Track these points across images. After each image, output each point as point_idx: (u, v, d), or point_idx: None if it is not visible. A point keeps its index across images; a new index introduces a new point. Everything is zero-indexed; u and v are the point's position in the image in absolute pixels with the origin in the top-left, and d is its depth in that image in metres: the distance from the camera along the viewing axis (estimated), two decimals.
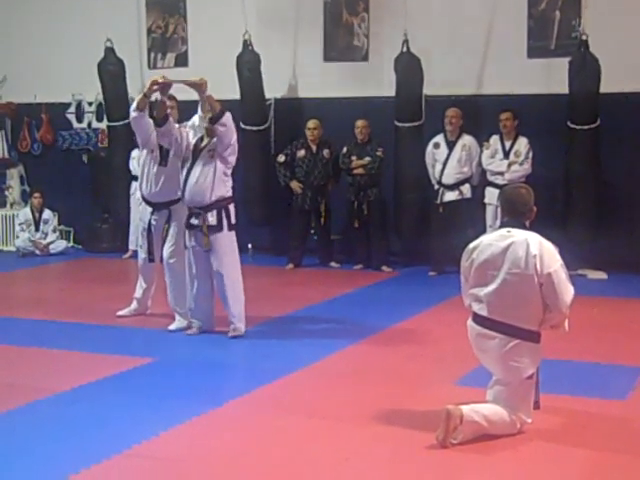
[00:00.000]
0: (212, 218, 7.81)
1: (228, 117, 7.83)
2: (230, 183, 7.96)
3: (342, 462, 5.03)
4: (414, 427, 5.49)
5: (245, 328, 7.95)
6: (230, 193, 7.95)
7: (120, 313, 8.79)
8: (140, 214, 8.93)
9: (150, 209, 8.47)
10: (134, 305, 8.84)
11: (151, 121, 8.07)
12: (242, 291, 7.99)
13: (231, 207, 7.94)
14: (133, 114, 8.16)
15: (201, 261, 7.92)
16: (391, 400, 6.10)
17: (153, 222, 8.42)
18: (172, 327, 8.21)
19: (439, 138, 11.01)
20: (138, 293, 8.83)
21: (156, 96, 8.04)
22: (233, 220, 7.93)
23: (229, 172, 7.93)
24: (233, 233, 7.96)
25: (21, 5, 13.85)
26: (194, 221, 7.85)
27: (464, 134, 10.96)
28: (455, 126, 10.93)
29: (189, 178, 7.84)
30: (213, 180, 7.80)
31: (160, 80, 7.84)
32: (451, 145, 10.93)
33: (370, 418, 5.70)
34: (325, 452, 5.16)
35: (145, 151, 8.41)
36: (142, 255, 8.65)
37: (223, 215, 7.83)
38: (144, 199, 8.54)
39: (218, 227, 7.82)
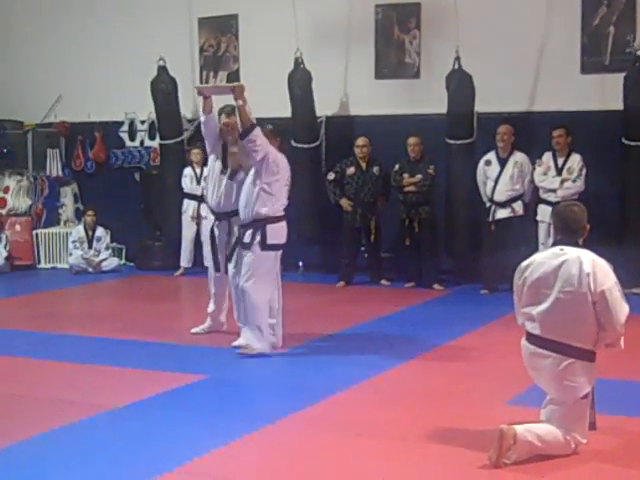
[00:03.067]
0: (246, 235, 7.80)
1: (257, 133, 7.79)
2: (275, 201, 7.83)
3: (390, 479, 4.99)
4: (466, 446, 5.42)
5: (254, 349, 7.77)
6: (274, 213, 7.83)
7: (194, 330, 8.71)
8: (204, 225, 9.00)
9: (213, 218, 8.47)
10: (208, 322, 8.74)
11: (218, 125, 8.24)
12: (259, 315, 7.81)
13: (270, 227, 7.81)
14: (202, 118, 8.35)
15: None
16: (442, 419, 6.03)
17: (216, 232, 8.41)
18: (236, 343, 7.98)
19: (491, 155, 10.94)
20: (210, 309, 8.75)
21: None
22: (272, 241, 7.83)
23: (271, 190, 7.80)
24: (268, 254, 7.84)
25: (75, 26, 14.02)
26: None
27: (516, 151, 10.87)
28: (507, 143, 10.85)
29: (219, 184, 8.08)
30: (251, 198, 7.79)
31: (196, 87, 8.25)
32: (503, 162, 10.84)
33: (421, 437, 5.65)
34: (375, 471, 5.11)
35: (212, 158, 8.41)
36: (209, 266, 8.65)
37: (257, 234, 7.77)
38: (209, 208, 8.58)
39: (248, 245, 7.79)
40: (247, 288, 7.78)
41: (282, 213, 7.97)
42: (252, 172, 7.90)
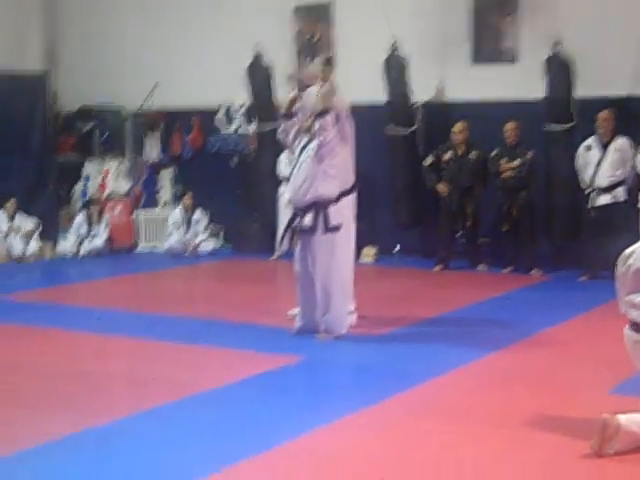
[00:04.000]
0: (308, 219, 7.71)
1: (331, 116, 7.72)
2: (336, 183, 7.72)
3: (490, 466, 4.96)
4: (567, 435, 5.35)
5: (336, 335, 7.75)
6: (334, 193, 7.73)
7: (291, 312, 8.71)
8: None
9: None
10: None
11: None
12: (337, 297, 7.75)
13: (333, 208, 7.70)
14: (285, 115, 8.23)
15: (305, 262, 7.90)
16: (542, 406, 5.98)
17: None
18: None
19: (591, 140, 10.75)
20: None
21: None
22: (335, 221, 7.71)
23: (332, 172, 7.70)
24: (334, 235, 7.71)
25: (173, 13, 14.20)
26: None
27: (617, 136, 10.66)
28: (607, 129, 10.65)
29: (292, 177, 7.90)
30: (313, 179, 7.68)
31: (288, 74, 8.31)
32: (604, 147, 10.65)
33: (520, 423, 5.60)
34: (474, 456, 5.09)
35: (287, 151, 8.41)
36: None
37: (320, 217, 7.70)
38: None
39: (312, 230, 7.71)
40: (320, 275, 7.73)
41: (343, 189, 7.82)
42: (314, 147, 7.76)
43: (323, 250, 7.72)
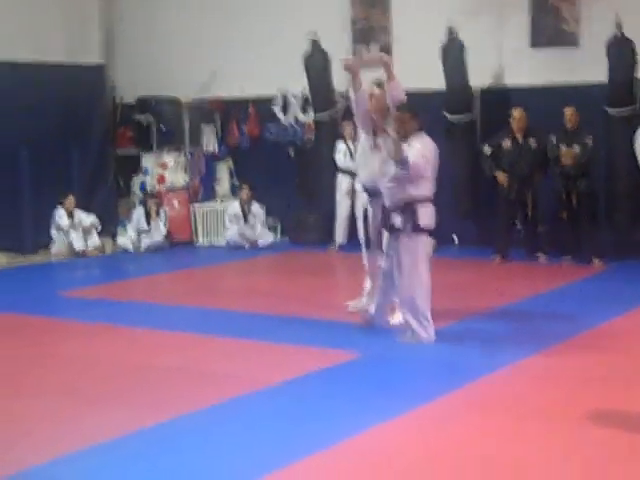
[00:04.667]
0: (397, 219, 7.57)
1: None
2: (427, 183, 7.61)
3: (549, 465, 4.87)
4: (631, 430, 5.27)
5: (421, 338, 7.51)
6: (423, 192, 7.60)
7: (350, 305, 8.70)
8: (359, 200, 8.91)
9: (367, 196, 8.34)
10: (365, 299, 8.57)
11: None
12: (420, 297, 7.54)
13: (422, 208, 7.55)
14: (351, 96, 8.20)
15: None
16: (603, 402, 5.88)
17: (369, 210, 8.29)
18: (393, 321, 8.06)
19: None
20: (367, 285, 8.59)
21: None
22: (423, 222, 7.55)
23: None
24: (420, 236, 7.59)
25: (228, 2, 14.18)
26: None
27: None
28: None
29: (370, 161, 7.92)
30: (401, 178, 7.53)
31: (342, 60, 8.26)
32: None
33: (583, 419, 5.52)
34: (537, 453, 5.02)
35: (363, 136, 8.30)
36: (363, 246, 8.53)
37: (409, 217, 7.52)
38: (362, 185, 8.46)
39: (400, 230, 7.56)
40: (403, 273, 7.59)
41: (431, 195, 7.74)
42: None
43: (409, 250, 7.57)
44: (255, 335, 7.88)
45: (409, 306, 7.59)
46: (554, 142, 10.95)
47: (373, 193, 8.16)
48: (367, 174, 8.17)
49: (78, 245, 12.87)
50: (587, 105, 10.96)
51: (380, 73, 7.98)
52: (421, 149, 7.49)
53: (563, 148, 10.87)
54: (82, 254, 12.83)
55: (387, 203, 7.68)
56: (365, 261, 8.58)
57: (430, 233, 7.74)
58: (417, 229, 7.55)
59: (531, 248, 11.46)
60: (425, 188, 7.60)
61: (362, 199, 8.57)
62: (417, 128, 7.56)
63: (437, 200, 11.82)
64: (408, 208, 7.53)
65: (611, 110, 10.90)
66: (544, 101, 11.37)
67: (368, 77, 8.16)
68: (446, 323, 8.06)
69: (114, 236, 13.59)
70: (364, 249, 8.53)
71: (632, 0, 10.89)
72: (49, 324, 8.66)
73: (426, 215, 7.59)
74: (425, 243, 7.72)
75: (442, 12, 11.69)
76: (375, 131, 8.07)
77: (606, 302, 8.96)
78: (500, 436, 5.34)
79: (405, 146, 7.38)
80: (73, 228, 12.91)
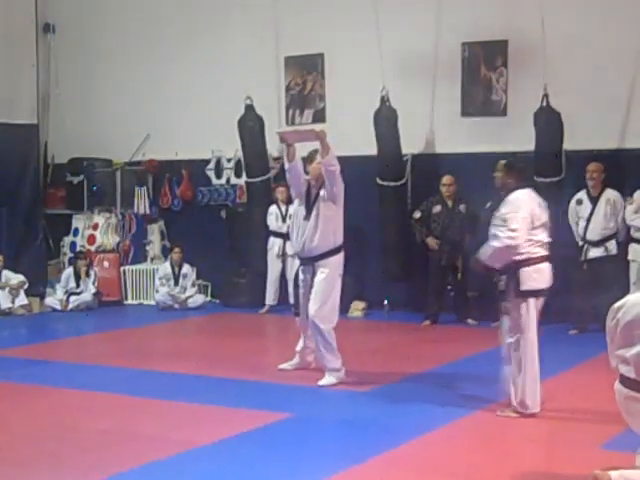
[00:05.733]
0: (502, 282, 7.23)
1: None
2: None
3: None
4: None
5: (527, 412, 7.04)
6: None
7: (281, 367, 8.73)
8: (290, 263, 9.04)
9: (298, 262, 8.50)
10: (296, 359, 8.75)
11: (302, 172, 8.29)
12: (529, 369, 7.18)
13: (525, 271, 7.02)
14: (285, 166, 8.40)
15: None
16: (534, 462, 5.93)
17: (300, 276, 8.40)
18: (321, 382, 8.11)
19: (582, 194, 10.77)
20: (299, 346, 8.73)
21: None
22: (525, 287, 7.05)
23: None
24: (524, 301, 7.10)
25: (163, 65, 14.26)
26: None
27: (607, 188, 10.68)
28: (597, 181, 10.67)
29: (304, 229, 8.11)
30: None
31: (277, 132, 8.56)
32: (594, 201, 10.67)
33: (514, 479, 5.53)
34: None
35: (296, 202, 8.44)
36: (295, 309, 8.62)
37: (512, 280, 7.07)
38: (295, 252, 8.61)
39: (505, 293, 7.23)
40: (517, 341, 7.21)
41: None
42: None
43: (514, 316, 7.18)
44: (185, 397, 7.79)
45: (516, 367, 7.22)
46: (488, 207, 11.13)
47: (305, 261, 8.28)
48: (299, 241, 8.29)
49: (5, 304, 12.68)
50: None
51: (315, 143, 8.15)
52: (516, 215, 7.01)
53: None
54: (8, 313, 12.64)
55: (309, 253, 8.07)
56: (298, 324, 8.64)
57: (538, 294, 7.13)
58: (521, 294, 7.06)
59: (461, 313, 11.58)
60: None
61: (295, 265, 8.66)
62: (515, 185, 7.23)
63: (368, 264, 12.04)
64: (512, 270, 7.08)
65: (539, 179, 11.08)
66: (474, 168, 11.58)
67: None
68: (377, 385, 8.09)
69: (42, 296, 13.41)
70: (296, 312, 8.59)
71: (559, 72, 11.18)
72: None
73: (530, 278, 7.04)
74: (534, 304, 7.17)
75: (376, 79, 11.86)
76: (311, 193, 8.25)
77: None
78: None
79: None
80: (0, 287, 12.74)
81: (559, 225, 10.82)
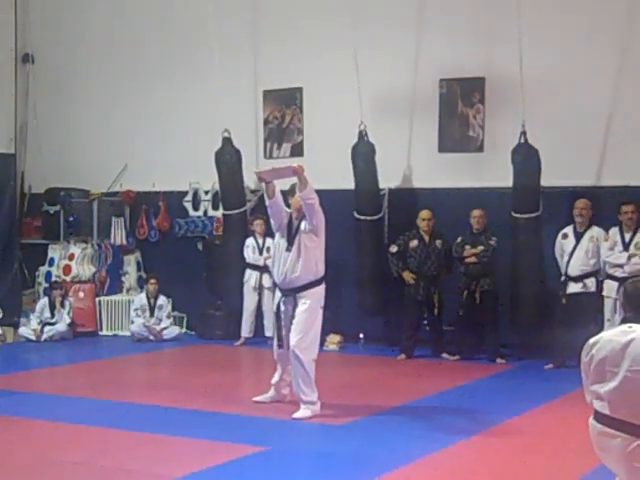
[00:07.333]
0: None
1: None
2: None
3: None
4: None
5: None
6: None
7: (256, 399, 8.69)
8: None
9: (280, 294, 8.50)
10: (271, 392, 8.72)
11: (283, 206, 8.42)
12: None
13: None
14: (266, 202, 8.49)
15: None
16: None
17: (282, 307, 8.42)
18: (296, 415, 8.09)
19: (568, 229, 10.81)
20: (274, 379, 8.71)
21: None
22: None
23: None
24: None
25: (141, 97, 14.29)
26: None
27: (594, 226, 10.72)
28: (585, 218, 10.71)
29: (285, 259, 8.22)
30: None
31: (255, 172, 8.68)
32: (579, 236, 10.70)
33: None
34: None
35: (277, 235, 8.49)
36: (274, 342, 8.65)
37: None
38: (275, 284, 8.64)
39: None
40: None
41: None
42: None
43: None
44: (159, 429, 7.73)
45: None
46: (460, 242, 11.21)
47: (287, 292, 8.28)
48: (280, 274, 8.32)
49: None
50: (493, 209, 11.27)
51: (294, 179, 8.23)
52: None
53: (467, 247, 11.12)
54: None
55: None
56: (275, 356, 8.62)
57: None
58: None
59: (436, 348, 11.59)
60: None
61: (274, 297, 8.67)
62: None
63: (344, 298, 12.05)
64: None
65: (517, 215, 11.15)
66: (451, 204, 11.65)
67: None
68: (352, 418, 8.08)
69: (17, 326, 13.31)
70: (275, 344, 8.57)
71: (536, 109, 11.25)
72: None
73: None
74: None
75: (354, 115, 11.91)
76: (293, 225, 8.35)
77: (511, 400, 9.07)
78: None
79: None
80: None
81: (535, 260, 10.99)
